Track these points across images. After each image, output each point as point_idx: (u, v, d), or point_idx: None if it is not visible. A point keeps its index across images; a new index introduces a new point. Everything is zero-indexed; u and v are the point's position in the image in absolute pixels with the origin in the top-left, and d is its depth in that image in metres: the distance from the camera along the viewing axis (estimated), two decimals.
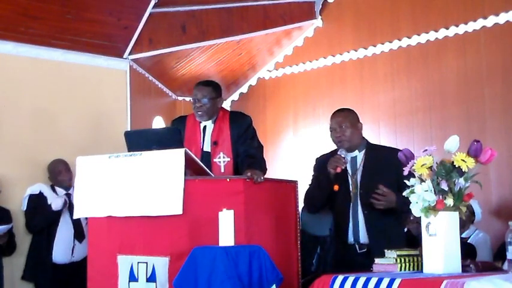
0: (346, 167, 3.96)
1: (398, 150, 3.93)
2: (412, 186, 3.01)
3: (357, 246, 3.90)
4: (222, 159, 4.23)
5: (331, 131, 4.06)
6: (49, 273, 5.25)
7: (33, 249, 5.38)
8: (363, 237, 3.90)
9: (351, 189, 3.96)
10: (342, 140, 3.99)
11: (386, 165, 3.84)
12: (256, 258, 3.37)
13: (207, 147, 4.27)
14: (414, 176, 3.05)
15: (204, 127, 4.32)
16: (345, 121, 4.00)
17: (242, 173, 3.89)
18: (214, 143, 4.24)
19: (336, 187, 3.88)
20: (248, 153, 4.16)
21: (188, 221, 3.60)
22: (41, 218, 5.32)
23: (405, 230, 5.80)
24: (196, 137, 4.30)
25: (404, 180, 3.07)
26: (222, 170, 4.20)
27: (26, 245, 5.42)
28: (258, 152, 4.24)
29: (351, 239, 3.93)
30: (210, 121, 4.32)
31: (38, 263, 5.31)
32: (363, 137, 4.10)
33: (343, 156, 3.90)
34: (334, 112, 4.12)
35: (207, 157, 4.22)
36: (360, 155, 4.02)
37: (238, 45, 7.36)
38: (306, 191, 4.16)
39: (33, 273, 5.35)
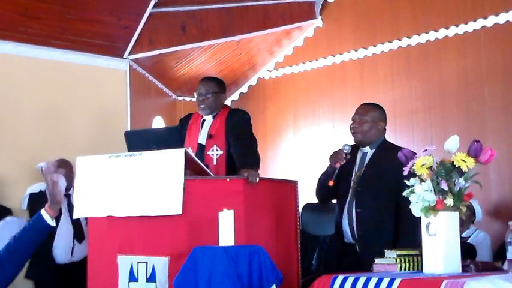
0: (354, 163, 3.95)
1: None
2: (412, 186, 3.01)
3: (357, 246, 3.87)
4: (215, 152, 4.25)
5: (352, 121, 4.03)
6: (52, 272, 5.23)
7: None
8: (357, 236, 3.86)
9: (351, 185, 3.93)
10: (356, 132, 3.97)
11: (389, 167, 3.77)
12: (256, 258, 3.37)
13: (202, 140, 4.31)
14: (414, 176, 3.05)
15: (203, 121, 4.39)
16: (366, 115, 3.96)
17: (238, 172, 3.91)
18: (209, 136, 4.29)
19: (330, 183, 3.84)
20: (241, 150, 4.15)
21: (188, 221, 3.60)
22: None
23: None
24: (196, 131, 4.37)
25: (405, 180, 3.07)
26: (215, 163, 4.23)
27: None
28: (250, 147, 4.22)
29: (348, 237, 3.90)
30: (211, 116, 4.38)
31: (41, 262, 5.29)
32: (383, 136, 4.03)
33: (345, 152, 3.87)
34: (361, 104, 4.10)
35: (201, 149, 4.26)
36: (370, 152, 3.98)
37: (238, 45, 7.36)
38: (319, 178, 4.09)
39: (37, 271, 5.33)
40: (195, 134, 4.36)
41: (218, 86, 4.41)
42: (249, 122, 4.38)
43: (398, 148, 3.85)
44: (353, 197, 3.90)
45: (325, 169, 4.07)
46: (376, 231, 3.79)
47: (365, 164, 3.95)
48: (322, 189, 4.04)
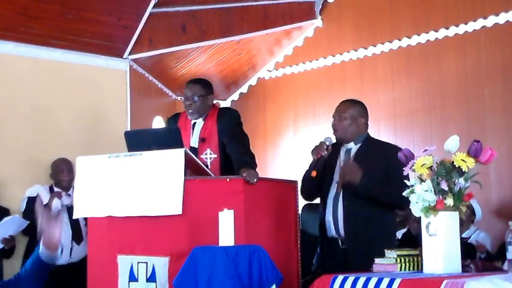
0: (338, 158, 3.95)
1: (394, 146, 3.94)
2: (412, 186, 3.01)
3: (339, 241, 3.86)
4: (209, 156, 4.22)
5: (332, 118, 4.04)
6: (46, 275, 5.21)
7: (29, 251, 5.37)
8: (342, 231, 3.86)
9: (337, 180, 3.91)
10: (336, 130, 4.00)
11: (376, 161, 3.81)
12: (256, 258, 3.37)
13: (194, 143, 4.28)
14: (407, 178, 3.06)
15: (194, 124, 4.35)
16: (345, 112, 3.97)
17: (236, 171, 3.89)
18: (202, 140, 4.25)
19: (313, 173, 3.81)
20: (238, 150, 4.13)
21: (188, 221, 3.59)
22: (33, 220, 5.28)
23: (406, 229, 5.81)
24: (186, 133, 4.31)
25: (405, 180, 3.07)
26: (209, 167, 4.19)
27: (23, 246, 5.40)
28: (246, 147, 4.20)
29: (331, 232, 3.90)
30: (201, 118, 4.33)
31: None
32: (365, 132, 4.04)
33: (327, 143, 3.86)
34: (342, 101, 4.10)
35: (193, 153, 4.22)
36: (354, 148, 3.98)
37: (238, 45, 7.36)
38: (303, 176, 4.09)
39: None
40: (185, 136, 4.26)
41: (204, 88, 4.30)
42: (240, 121, 4.35)
43: (384, 143, 3.99)
44: (339, 190, 3.89)
45: (308, 167, 4.06)
46: (363, 224, 3.79)
47: (351, 159, 3.93)
48: (306, 184, 4.04)
